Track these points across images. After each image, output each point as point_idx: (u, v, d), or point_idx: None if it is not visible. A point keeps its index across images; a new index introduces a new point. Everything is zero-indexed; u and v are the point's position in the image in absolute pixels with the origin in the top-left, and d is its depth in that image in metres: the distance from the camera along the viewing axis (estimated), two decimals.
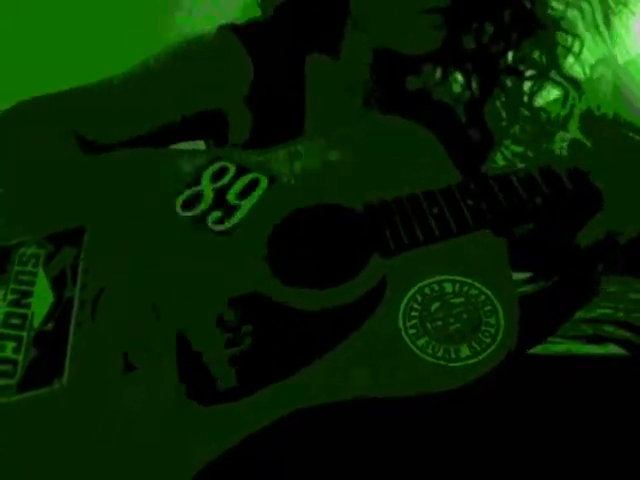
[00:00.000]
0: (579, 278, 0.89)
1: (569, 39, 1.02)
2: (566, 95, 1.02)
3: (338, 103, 1.03)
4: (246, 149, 0.97)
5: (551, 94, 1.04)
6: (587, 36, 1.04)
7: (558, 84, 1.02)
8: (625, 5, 2.05)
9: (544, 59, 1.02)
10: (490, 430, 0.78)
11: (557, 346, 1.06)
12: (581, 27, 1.03)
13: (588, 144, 0.97)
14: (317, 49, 1.04)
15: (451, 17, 0.95)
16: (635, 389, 0.80)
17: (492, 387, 0.77)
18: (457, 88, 1.05)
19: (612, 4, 2.08)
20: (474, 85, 1.03)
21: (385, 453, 0.76)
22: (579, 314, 1.17)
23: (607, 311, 1.18)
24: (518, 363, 0.84)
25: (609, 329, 1.12)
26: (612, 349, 1.05)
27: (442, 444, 0.77)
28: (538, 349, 0.98)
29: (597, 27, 1.03)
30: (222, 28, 1.04)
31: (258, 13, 1.07)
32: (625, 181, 0.83)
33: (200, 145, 1.11)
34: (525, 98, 1.03)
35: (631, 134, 0.85)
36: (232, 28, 1.04)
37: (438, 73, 1.04)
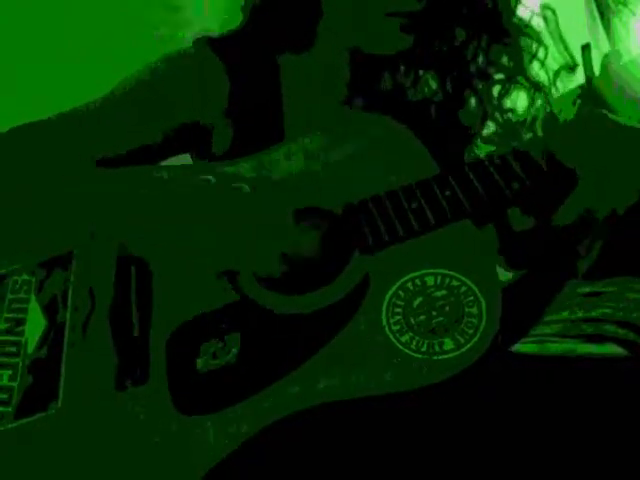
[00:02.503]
0: (555, 263, 0.88)
1: (534, 45, 1.04)
2: (532, 99, 1.03)
3: (316, 104, 1.04)
4: (227, 159, 0.97)
5: (520, 99, 1.05)
6: (550, 43, 1.05)
7: (525, 88, 1.03)
8: (625, 5, 2.06)
9: (511, 64, 1.03)
10: (488, 432, 0.77)
11: (558, 345, 1.05)
12: (545, 35, 1.05)
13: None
14: (290, 49, 1.05)
15: (421, 21, 0.96)
16: (635, 389, 0.78)
17: (491, 387, 0.77)
18: (429, 89, 1.06)
19: (612, 4, 2.09)
20: (447, 87, 1.04)
21: (375, 453, 0.75)
22: (579, 314, 1.16)
23: (608, 311, 1.16)
24: (517, 363, 0.84)
25: (610, 328, 1.10)
26: (612, 349, 1.03)
27: (434, 443, 0.76)
28: (538, 349, 0.97)
29: (560, 36, 1.05)
30: (197, 42, 1.06)
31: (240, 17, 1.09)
32: (596, 160, 0.82)
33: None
34: (494, 101, 1.04)
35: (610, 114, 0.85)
36: (207, 41, 1.05)
37: (411, 74, 1.05)
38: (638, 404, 0.76)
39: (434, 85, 1.05)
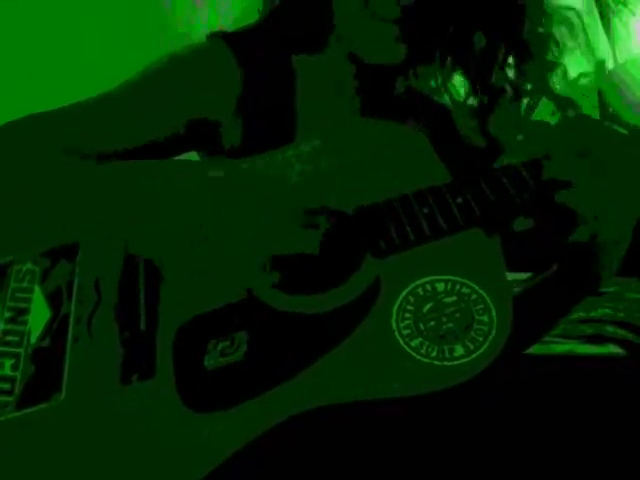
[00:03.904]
0: (573, 273, 0.89)
1: (558, 55, 1.03)
2: (559, 111, 1.03)
3: (330, 106, 1.04)
4: (238, 157, 0.97)
5: (546, 110, 1.05)
6: (572, 50, 1.05)
7: (553, 99, 1.03)
8: (625, 5, 2.06)
9: (538, 75, 1.03)
10: (489, 431, 0.78)
11: (558, 346, 1.06)
12: (568, 42, 1.04)
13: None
14: (305, 50, 1.05)
15: (418, 27, 0.96)
16: (635, 389, 0.79)
17: (492, 387, 0.77)
18: (459, 94, 1.06)
19: (612, 4, 2.09)
20: (474, 93, 1.04)
21: (381, 457, 0.75)
22: (579, 314, 1.17)
23: (607, 311, 1.18)
24: (518, 363, 0.84)
25: (610, 329, 1.12)
26: (612, 349, 1.05)
27: (441, 446, 0.76)
28: (538, 349, 0.97)
29: (586, 41, 1.04)
30: (212, 36, 1.05)
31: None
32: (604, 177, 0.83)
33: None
34: (522, 112, 1.04)
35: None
36: (221, 36, 1.04)
37: (429, 79, 1.05)
38: (637, 404, 0.77)
39: (463, 91, 1.05)
